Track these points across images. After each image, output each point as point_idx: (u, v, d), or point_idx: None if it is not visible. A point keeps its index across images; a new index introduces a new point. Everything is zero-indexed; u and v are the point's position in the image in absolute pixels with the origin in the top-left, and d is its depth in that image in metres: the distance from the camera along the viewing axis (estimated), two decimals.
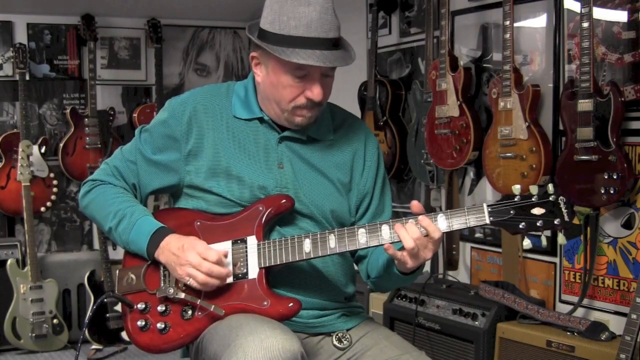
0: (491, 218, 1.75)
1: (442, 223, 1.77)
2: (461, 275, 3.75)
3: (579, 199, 2.95)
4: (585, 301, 3.08)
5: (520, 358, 2.99)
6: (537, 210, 1.75)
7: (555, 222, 1.75)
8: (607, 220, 3.00)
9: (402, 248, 1.78)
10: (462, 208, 1.77)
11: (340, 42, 1.92)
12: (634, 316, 2.49)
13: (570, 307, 3.10)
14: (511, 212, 1.75)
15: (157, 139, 2.02)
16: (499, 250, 3.51)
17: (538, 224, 1.75)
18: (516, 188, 1.77)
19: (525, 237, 1.79)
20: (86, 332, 4.28)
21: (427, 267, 3.80)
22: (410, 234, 1.76)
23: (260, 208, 1.92)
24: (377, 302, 3.70)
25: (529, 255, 3.35)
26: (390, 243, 1.80)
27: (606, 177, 2.82)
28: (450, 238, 3.69)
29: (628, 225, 2.94)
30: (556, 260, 3.25)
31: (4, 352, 4.25)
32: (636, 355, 2.52)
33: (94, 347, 4.30)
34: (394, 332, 2.08)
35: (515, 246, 3.35)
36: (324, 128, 2.04)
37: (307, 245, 1.85)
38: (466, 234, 3.72)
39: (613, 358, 2.56)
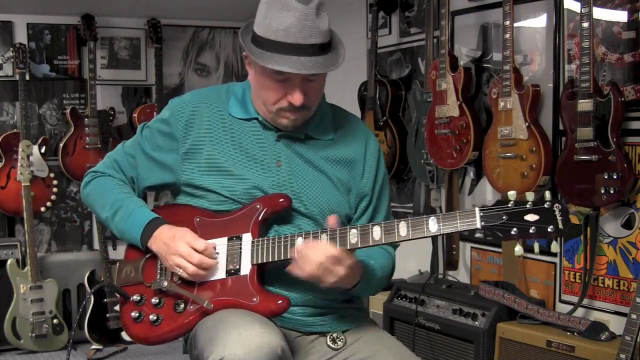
0: (482, 223, 1.70)
1: (433, 226, 1.75)
2: (461, 275, 3.75)
3: (579, 199, 2.95)
4: (585, 301, 3.08)
5: (520, 358, 2.99)
6: (530, 217, 1.69)
7: (549, 229, 1.68)
8: (607, 220, 3.00)
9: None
10: (454, 212, 1.74)
11: (330, 46, 1.90)
12: (634, 316, 2.49)
13: (570, 307, 3.10)
14: (504, 217, 1.70)
15: (156, 136, 2.06)
16: (499, 250, 3.51)
17: (531, 231, 1.69)
18: (511, 194, 1.73)
19: (517, 243, 1.75)
20: (86, 330, 4.28)
21: (427, 267, 3.80)
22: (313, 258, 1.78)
23: (258, 206, 1.94)
24: (377, 302, 3.70)
25: (529, 255, 3.35)
26: (382, 244, 1.82)
27: (606, 177, 2.82)
28: (451, 238, 3.69)
29: (628, 225, 2.94)
30: (556, 260, 3.25)
31: (4, 352, 4.25)
32: (636, 355, 2.52)
33: (94, 347, 4.29)
34: (392, 336, 2.06)
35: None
36: (323, 127, 2.04)
37: (300, 243, 1.86)
38: (466, 234, 3.71)
39: (613, 358, 2.56)
